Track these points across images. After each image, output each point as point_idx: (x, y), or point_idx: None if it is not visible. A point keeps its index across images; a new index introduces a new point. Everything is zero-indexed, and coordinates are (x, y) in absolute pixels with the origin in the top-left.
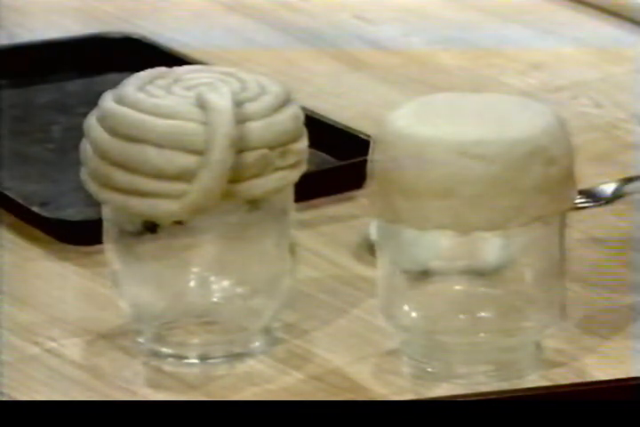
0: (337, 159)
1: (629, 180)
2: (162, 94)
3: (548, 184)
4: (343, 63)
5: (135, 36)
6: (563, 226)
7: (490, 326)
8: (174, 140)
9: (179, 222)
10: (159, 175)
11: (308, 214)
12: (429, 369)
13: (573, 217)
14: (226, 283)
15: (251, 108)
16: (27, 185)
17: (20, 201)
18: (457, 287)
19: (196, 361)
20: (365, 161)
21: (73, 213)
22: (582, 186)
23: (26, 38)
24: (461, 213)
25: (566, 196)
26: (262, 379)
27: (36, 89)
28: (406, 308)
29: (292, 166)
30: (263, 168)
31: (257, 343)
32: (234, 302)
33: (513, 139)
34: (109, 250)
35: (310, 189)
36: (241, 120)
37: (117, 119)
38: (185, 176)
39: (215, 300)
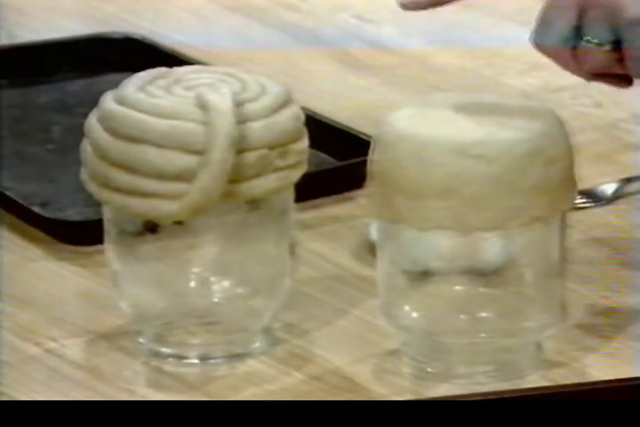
0: (337, 159)
1: (629, 180)
2: (162, 94)
3: (547, 184)
4: (343, 63)
5: (135, 36)
6: (563, 226)
7: (490, 327)
8: (174, 140)
9: (179, 223)
10: (159, 175)
11: (309, 214)
12: (429, 369)
13: (573, 217)
14: (226, 283)
15: (251, 108)
16: (27, 185)
17: (20, 201)
18: (457, 287)
19: (196, 361)
20: (365, 161)
21: (73, 213)
22: (582, 186)
23: (26, 38)
24: (461, 213)
25: (566, 196)
26: (262, 379)
27: (36, 89)
28: (407, 308)
29: (293, 166)
30: (263, 168)
31: (257, 344)
32: (234, 303)
33: (513, 139)
34: (109, 250)
35: (310, 189)
36: (241, 120)
37: (118, 119)
38: (185, 176)
39: (215, 300)
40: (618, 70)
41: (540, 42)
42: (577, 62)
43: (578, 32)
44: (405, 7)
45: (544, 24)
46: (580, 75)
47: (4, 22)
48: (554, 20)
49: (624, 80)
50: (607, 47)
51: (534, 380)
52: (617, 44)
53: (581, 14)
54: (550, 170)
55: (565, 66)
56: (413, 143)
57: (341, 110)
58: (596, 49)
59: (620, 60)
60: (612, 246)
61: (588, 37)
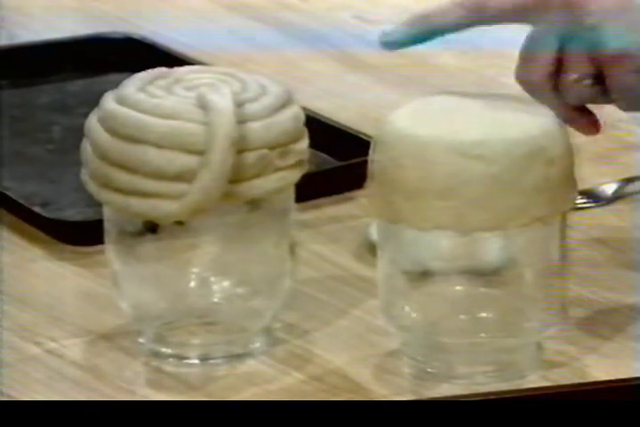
0: (337, 159)
1: (629, 180)
2: (162, 95)
3: (548, 184)
4: (343, 63)
5: (135, 36)
6: (563, 226)
7: (490, 327)
8: (175, 140)
9: (179, 223)
10: (159, 176)
11: (309, 215)
12: (429, 369)
13: (573, 217)
14: (226, 283)
15: (251, 108)
16: (27, 185)
17: (21, 201)
18: (457, 288)
19: (196, 361)
20: (365, 161)
21: (73, 213)
22: (582, 186)
23: (26, 38)
24: (462, 213)
25: (566, 196)
26: (262, 379)
27: (36, 89)
28: (407, 308)
29: (293, 167)
30: (263, 168)
31: (257, 344)
32: (234, 303)
33: (513, 139)
34: (110, 250)
35: (311, 189)
36: (241, 120)
37: (118, 120)
38: (185, 176)
39: (215, 300)
40: (602, 102)
41: (523, 78)
42: (559, 98)
43: (559, 67)
44: (386, 48)
45: (526, 59)
46: (561, 112)
47: (4, 22)
48: (535, 56)
49: (593, 125)
50: (588, 81)
51: (534, 380)
52: (599, 78)
53: (562, 48)
54: (550, 170)
55: (547, 102)
56: (413, 143)
57: (341, 110)
58: (579, 83)
59: (604, 93)
60: (612, 246)
61: (569, 73)
